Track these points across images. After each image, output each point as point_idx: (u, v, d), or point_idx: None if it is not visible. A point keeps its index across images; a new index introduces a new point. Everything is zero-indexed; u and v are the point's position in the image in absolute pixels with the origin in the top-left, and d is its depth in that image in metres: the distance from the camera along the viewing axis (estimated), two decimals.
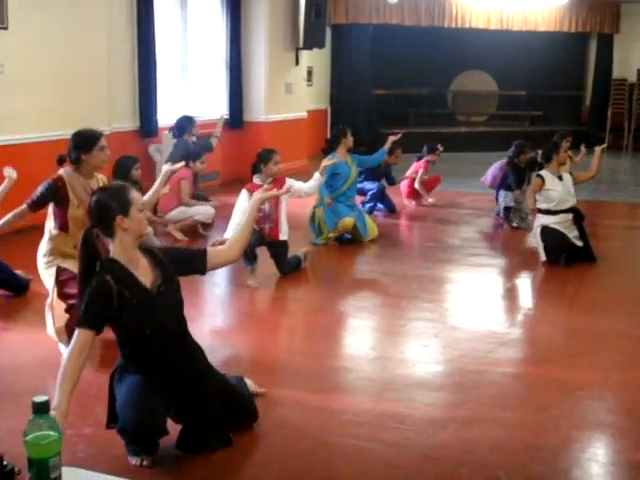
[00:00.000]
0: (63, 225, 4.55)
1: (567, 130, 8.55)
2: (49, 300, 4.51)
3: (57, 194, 4.53)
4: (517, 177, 8.42)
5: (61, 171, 4.60)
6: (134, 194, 3.27)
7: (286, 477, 3.23)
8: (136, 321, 3.18)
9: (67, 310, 4.40)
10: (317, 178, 6.49)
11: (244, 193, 6.07)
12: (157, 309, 3.23)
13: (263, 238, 6.15)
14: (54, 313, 4.40)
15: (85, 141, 4.55)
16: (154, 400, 3.20)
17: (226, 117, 9.07)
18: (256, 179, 6.15)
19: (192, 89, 11.00)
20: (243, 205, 5.89)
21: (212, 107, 11.32)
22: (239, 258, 3.71)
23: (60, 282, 4.45)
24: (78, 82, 8.33)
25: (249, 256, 5.99)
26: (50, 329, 4.49)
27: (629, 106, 16.09)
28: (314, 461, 3.35)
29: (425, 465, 3.33)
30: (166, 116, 10.14)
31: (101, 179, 4.70)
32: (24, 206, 4.66)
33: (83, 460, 3.20)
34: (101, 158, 4.57)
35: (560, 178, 6.90)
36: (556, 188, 6.82)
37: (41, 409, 1.67)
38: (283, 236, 6.26)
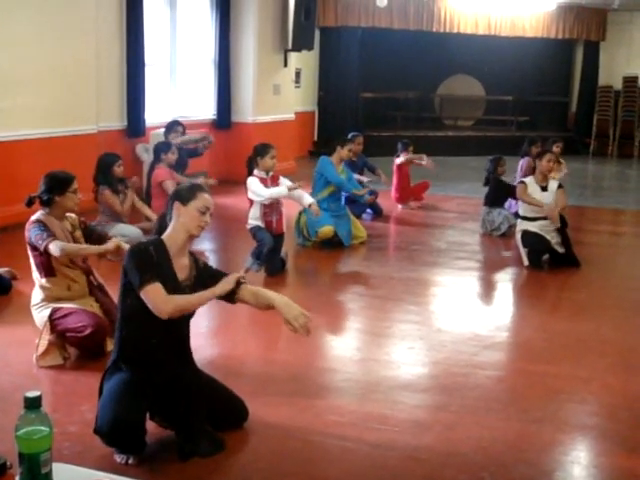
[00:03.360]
0: (49, 271, 4.47)
1: (559, 137, 8.49)
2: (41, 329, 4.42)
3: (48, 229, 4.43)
4: (502, 192, 8.38)
5: (39, 215, 4.50)
6: (205, 195, 3.42)
7: (272, 477, 3.24)
8: None
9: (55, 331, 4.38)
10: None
11: (253, 178, 6.28)
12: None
13: (272, 235, 6.30)
14: (40, 342, 4.34)
15: (58, 183, 4.48)
16: (133, 401, 3.19)
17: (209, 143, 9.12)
18: (257, 172, 6.34)
19: (180, 89, 10.99)
20: (258, 184, 6.21)
21: (200, 108, 11.33)
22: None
23: (55, 319, 4.37)
24: (66, 80, 8.31)
25: (260, 258, 6.14)
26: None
27: (614, 113, 16.22)
28: (300, 461, 3.37)
29: (410, 466, 3.35)
30: (154, 116, 10.13)
31: (72, 220, 4.65)
32: (52, 243, 4.32)
33: (69, 458, 3.19)
34: (74, 201, 4.52)
35: (545, 188, 6.95)
36: (535, 197, 6.89)
37: (33, 404, 1.68)
38: (284, 228, 6.51)
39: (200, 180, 8.21)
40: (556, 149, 8.97)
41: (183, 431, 3.32)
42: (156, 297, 3.21)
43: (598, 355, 4.84)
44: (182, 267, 3.40)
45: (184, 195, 3.42)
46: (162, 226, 3.48)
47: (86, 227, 4.71)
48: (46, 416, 1.70)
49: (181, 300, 3.27)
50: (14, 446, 1.72)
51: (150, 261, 3.25)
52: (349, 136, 9.19)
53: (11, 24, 7.63)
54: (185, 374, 3.40)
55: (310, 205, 6.56)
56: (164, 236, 3.40)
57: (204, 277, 3.47)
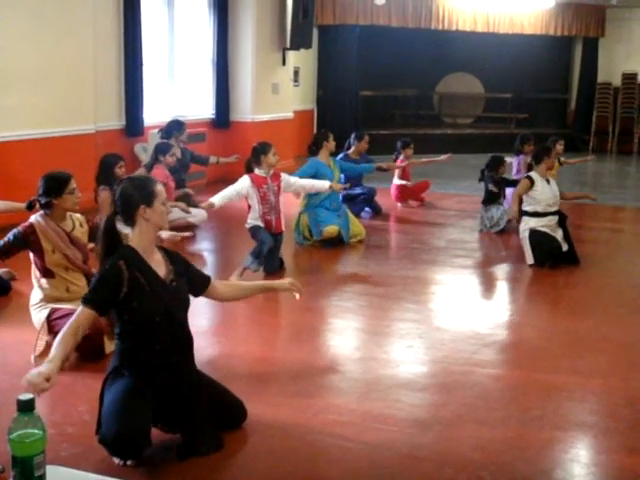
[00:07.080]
0: (46, 272, 4.50)
1: (558, 134, 8.49)
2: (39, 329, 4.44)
3: (28, 242, 4.48)
4: (496, 189, 8.37)
5: (32, 219, 4.54)
6: (159, 187, 3.38)
7: (271, 476, 3.23)
8: (147, 307, 3.23)
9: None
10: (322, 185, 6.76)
11: (246, 177, 6.30)
12: (168, 298, 3.30)
13: (270, 233, 6.30)
14: (37, 342, 4.34)
15: (55, 185, 4.47)
16: (139, 411, 3.17)
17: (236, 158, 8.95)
18: (258, 171, 6.32)
19: (179, 88, 10.97)
20: (241, 185, 6.25)
21: (198, 107, 11.32)
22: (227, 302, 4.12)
23: (53, 320, 4.38)
24: (64, 80, 8.30)
25: (260, 257, 6.13)
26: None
27: (613, 110, 16.19)
28: (299, 461, 3.36)
29: (409, 465, 3.34)
30: (152, 115, 10.12)
31: (77, 219, 4.66)
32: None
33: (66, 459, 3.18)
34: (73, 201, 4.51)
35: (548, 182, 6.95)
36: (545, 191, 6.87)
37: (26, 407, 1.67)
38: (283, 226, 6.51)
39: (185, 191, 8.22)
40: (559, 147, 8.86)
41: (187, 432, 3.31)
42: (74, 318, 3.20)
43: (598, 353, 4.83)
44: (158, 263, 3.36)
45: (146, 196, 3.30)
46: (111, 237, 3.31)
47: (93, 225, 4.69)
48: (39, 419, 1.69)
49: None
50: (8, 449, 1.71)
51: (102, 284, 3.21)
52: (352, 135, 9.14)
53: (8, 23, 7.62)
54: (188, 374, 3.39)
55: (330, 186, 6.73)
56: (131, 243, 3.32)
57: (186, 269, 3.46)
